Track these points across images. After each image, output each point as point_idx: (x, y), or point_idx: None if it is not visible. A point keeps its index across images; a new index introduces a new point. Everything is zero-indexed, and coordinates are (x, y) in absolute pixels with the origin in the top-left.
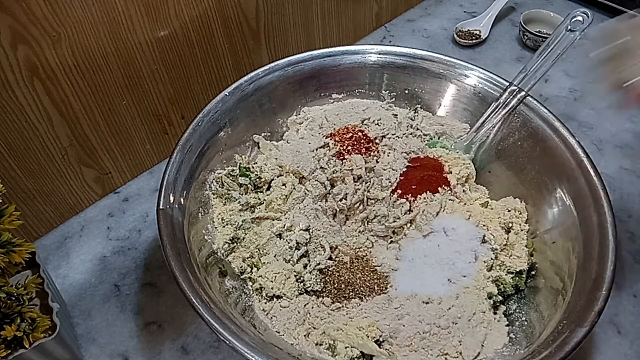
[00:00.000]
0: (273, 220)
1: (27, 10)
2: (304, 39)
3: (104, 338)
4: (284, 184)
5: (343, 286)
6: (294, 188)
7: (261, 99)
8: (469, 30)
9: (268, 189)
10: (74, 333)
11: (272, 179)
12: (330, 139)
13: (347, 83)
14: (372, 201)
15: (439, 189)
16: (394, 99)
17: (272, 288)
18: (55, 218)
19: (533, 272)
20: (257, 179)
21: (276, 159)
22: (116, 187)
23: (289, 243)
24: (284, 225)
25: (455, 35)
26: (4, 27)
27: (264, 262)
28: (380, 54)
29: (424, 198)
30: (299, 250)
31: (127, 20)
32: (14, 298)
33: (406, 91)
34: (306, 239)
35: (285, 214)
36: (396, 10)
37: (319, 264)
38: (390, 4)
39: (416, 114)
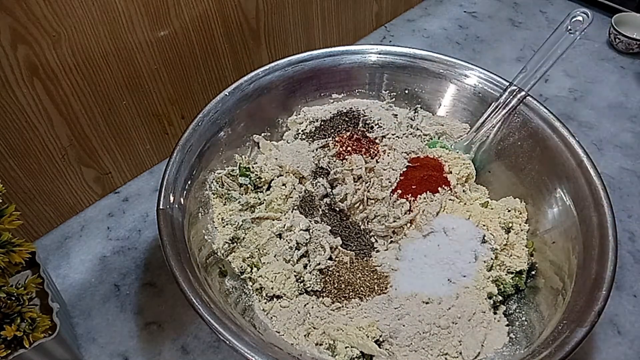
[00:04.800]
0: (273, 220)
1: (27, 10)
2: (304, 39)
3: (104, 338)
4: (284, 184)
5: (343, 286)
6: (294, 188)
7: (261, 99)
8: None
9: (268, 189)
10: (74, 333)
11: (272, 179)
12: (331, 139)
13: (347, 83)
14: (372, 201)
15: (439, 189)
16: (394, 99)
17: (272, 288)
18: (55, 218)
19: (533, 272)
20: (257, 179)
21: (276, 159)
22: (116, 187)
23: (289, 243)
24: (284, 225)
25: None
26: (4, 27)
27: (264, 262)
28: (380, 54)
29: (424, 198)
30: (299, 250)
31: (127, 20)
32: (14, 298)
33: (406, 91)
34: (306, 239)
35: (285, 214)
36: (396, 10)
37: (319, 264)
38: (390, 4)
39: (416, 114)
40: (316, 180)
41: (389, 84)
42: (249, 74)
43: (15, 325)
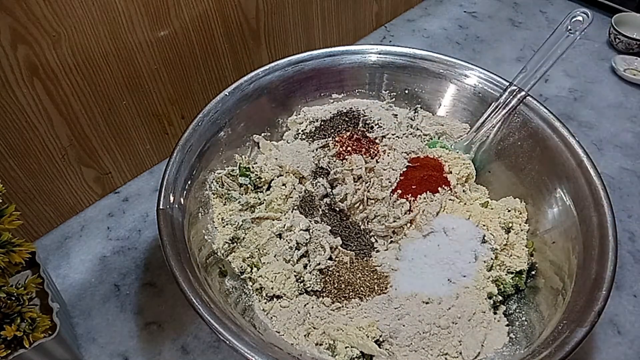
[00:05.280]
0: (273, 220)
1: (27, 10)
2: (304, 39)
3: (104, 338)
4: (283, 184)
5: (343, 286)
6: (294, 188)
7: (261, 99)
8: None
9: (268, 189)
10: (74, 333)
11: (272, 179)
12: (331, 139)
13: (347, 83)
14: (372, 201)
15: (439, 189)
16: (394, 99)
17: (272, 288)
18: (55, 218)
19: (533, 272)
20: (257, 179)
21: (276, 159)
22: (116, 187)
23: (289, 243)
24: (284, 225)
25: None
26: (4, 27)
27: (264, 262)
28: (380, 54)
29: (424, 198)
30: (299, 250)
31: (127, 20)
32: (14, 298)
33: (406, 91)
34: (306, 239)
35: (285, 214)
36: (396, 10)
37: (319, 264)
38: (390, 4)
39: (416, 113)
40: (316, 180)
41: (389, 84)
42: (249, 74)
43: (15, 325)
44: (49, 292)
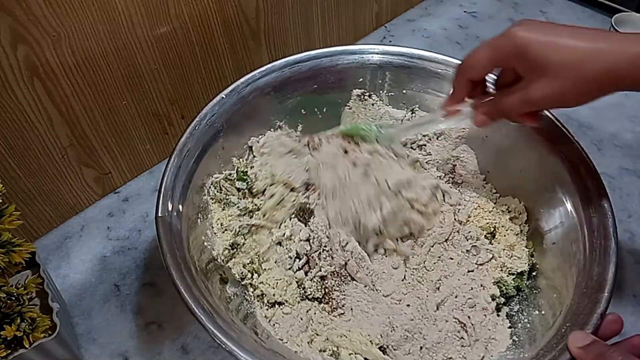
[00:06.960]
0: (270, 229)
1: (27, 10)
2: (304, 39)
3: (104, 338)
4: (272, 195)
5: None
6: (284, 198)
7: (258, 101)
8: None
9: (264, 194)
10: (74, 333)
11: (265, 188)
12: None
13: (345, 83)
14: None
15: None
16: (392, 100)
17: (273, 295)
18: (55, 218)
19: (534, 273)
20: (253, 185)
21: (271, 166)
22: (116, 187)
23: (288, 252)
24: (283, 233)
25: None
26: (4, 27)
27: (264, 269)
28: (379, 53)
29: None
30: (300, 260)
31: (127, 20)
32: (14, 298)
33: (404, 91)
34: (306, 250)
35: (281, 224)
36: (396, 10)
37: (320, 270)
38: (390, 4)
39: (413, 114)
40: (307, 193)
41: (388, 84)
42: (245, 76)
43: (15, 325)
44: (49, 292)
